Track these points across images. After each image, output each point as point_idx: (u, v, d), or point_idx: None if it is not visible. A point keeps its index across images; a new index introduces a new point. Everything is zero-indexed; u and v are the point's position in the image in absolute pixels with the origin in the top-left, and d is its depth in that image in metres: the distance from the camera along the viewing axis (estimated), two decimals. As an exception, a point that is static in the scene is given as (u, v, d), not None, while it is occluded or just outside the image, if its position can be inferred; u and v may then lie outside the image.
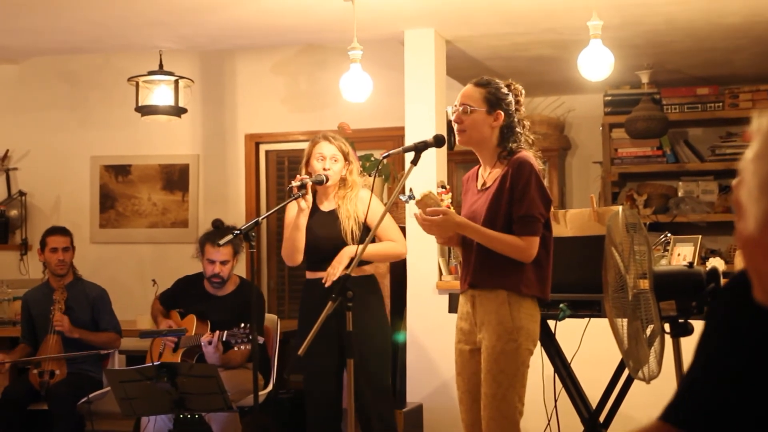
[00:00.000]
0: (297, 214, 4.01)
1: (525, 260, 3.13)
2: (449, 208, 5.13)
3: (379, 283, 4.20)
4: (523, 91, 3.33)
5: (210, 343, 4.58)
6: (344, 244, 4.00)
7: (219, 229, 5.01)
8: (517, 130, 3.24)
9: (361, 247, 3.22)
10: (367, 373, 3.97)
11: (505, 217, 3.15)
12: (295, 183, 3.91)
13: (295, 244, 4.07)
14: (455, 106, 3.27)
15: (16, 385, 5.06)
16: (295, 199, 3.91)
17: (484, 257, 3.16)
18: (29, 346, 5.20)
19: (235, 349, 4.53)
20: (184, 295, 5.01)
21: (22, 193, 6.83)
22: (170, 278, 5.35)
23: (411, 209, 5.21)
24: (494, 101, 3.22)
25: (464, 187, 3.42)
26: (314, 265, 4.15)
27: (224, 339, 4.53)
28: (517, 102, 3.28)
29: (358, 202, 3.97)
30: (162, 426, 4.52)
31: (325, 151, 4.09)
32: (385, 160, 3.56)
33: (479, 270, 3.18)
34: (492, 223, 3.15)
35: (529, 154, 3.20)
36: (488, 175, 3.28)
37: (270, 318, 5.20)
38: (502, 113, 3.22)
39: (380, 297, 4.16)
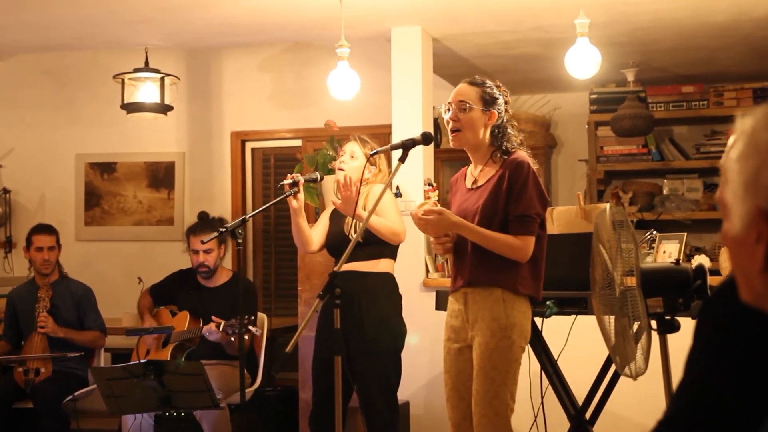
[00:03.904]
0: (291, 214, 3.99)
1: (521, 260, 3.14)
2: (437, 205, 5.15)
3: (396, 283, 4.13)
4: (509, 93, 3.37)
5: (210, 333, 4.61)
6: (346, 237, 4.00)
7: (204, 220, 5.06)
8: (509, 131, 3.27)
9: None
10: (374, 371, 3.97)
11: (502, 216, 3.16)
12: (286, 181, 3.89)
13: (300, 240, 4.08)
14: (449, 104, 3.27)
15: (0, 383, 5.03)
16: (286, 197, 3.89)
17: (480, 255, 3.17)
18: (9, 344, 5.18)
19: (232, 339, 4.54)
20: (178, 289, 5.03)
21: (6, 191, 6.79)
22: (156, 276, 5.34)
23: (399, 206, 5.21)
24: (489, 100, 3.24)
25: (453, 188, 3.42)
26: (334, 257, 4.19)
27: (221, 329, 4.55)
28: (506, 102, 3.31)
29: (369, 196, 3.91)
30: (147, 424, 4.51)
31: (347, 147, 4.13)
32: (372, 158, 3.55)
33: (476, 268, 3.18)
34: (489, 222, 3.16)
35: (525, 155, 3.23)
36: (479, 173, 3.28)
37: (257, 315, 5.19)
38: (496, 113, 3.25)
39: (394, 296, 4.08)
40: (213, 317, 4.65)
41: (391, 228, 3.91)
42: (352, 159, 4.08)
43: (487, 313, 3.15)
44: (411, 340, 4.19)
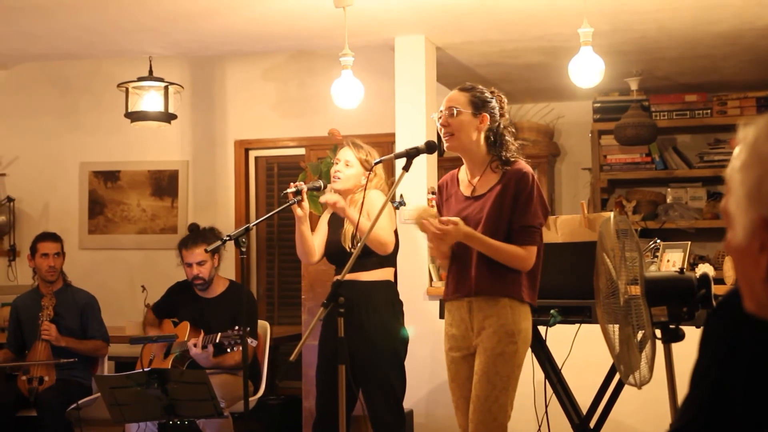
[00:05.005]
0: (296, 223, 3.99)
1: (524, 269, 3.16)
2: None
3: (396, 290, 4.13)
4: (506, 99, 3.36)
5: (195, 345, 4.59)
6: (342, 247, 4.00)
7: (193, 232, 5.05)
8: (506, 138, 3.27)
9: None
10: (376, 379, 3.96)
11: (506, 226, 3.17)
12: (290, 189, 3.89)
13: (304, 250, 4.07)
14: (440, 111, 3.29)
15: (4, 391, 5.03)
16: (290, 205, 3.89)
17: (486, 266, 3.17)
18: (12, 353, 5.18)
19: (228, 350, 4.53)
20: (177, 301, 5.02)
21: (10, 199, 6.80)
22: (159, 284, 5.34)
23: (402, 215, 5.22)
24: (479, 104, 3.25)
25: (444, 193, 3.40)
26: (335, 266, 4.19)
27: (218, 341, 4.54)
28: (501, 108, 3.31)
29: (366, 203, 3.88)
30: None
31: (341, 155, 4.09)
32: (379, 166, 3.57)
33: (482, 278, 3.18)
34: (493, 232, 3.16)
35: (527, 165, 3.25)
36: (477, 182, 3.28)
37: (261, 324, 5.20)
38: (488, 116, 3.25)
39: (394, 304, 4.07)
40: (192, 340, 4.66)
41: (378, 238, 3.87)
42: (347, 167, 4.06)
43: (495, 319, 3.15)
44: (408, 331, 4.14)
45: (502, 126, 3.28)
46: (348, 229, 4.02)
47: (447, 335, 3.32)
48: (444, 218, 3.16)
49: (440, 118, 3.27)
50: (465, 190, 3.32)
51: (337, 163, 4.09)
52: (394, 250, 4.06)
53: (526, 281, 3.19)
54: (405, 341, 4.09)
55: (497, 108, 3.29)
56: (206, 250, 4.47)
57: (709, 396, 1.30)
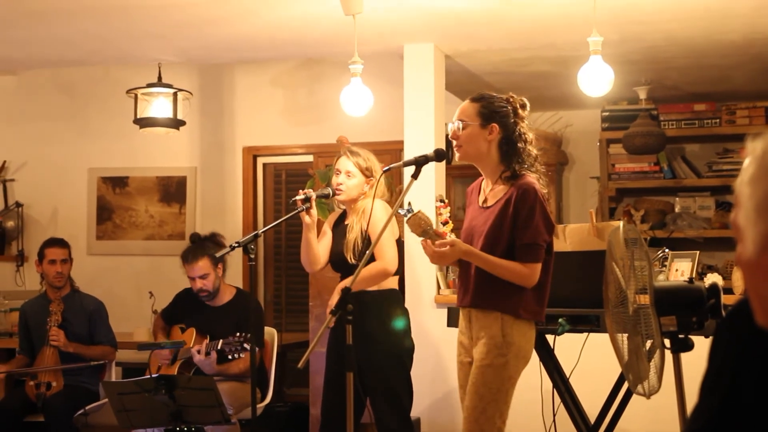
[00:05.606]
0: (303, 230, 3.99)
1: (527, 286, 3.13)
2: (448, 222, 5.16)
3: (400, 298, 4.14)
4: (526, 103, 3.31)
5: (199, 352, 4.59)
6: (344, 258, 4.00)
7: (195, 243, 5.03)
8: (519, 145, 3.22)
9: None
10: (381, 386, 3.96)
11: (508, 242, 3.14)
12: (298, 197, 3.89)
13: (308, 258, 4.07)
14: (453, 122, 3.29)
15: (12, 396, 5.05)
16: (299, 212, 3.89)
17: (483, 280, 3.16)
18: (26, 357, 5.19)
19: (230, 357, 4.53)
20: (184, 308, 5.03)
21: (18, 205, 6.82)
22: (167, 290, 5.35)
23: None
24: (488, 115, 3.22)
25: (468, 199, 3.42)
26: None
27: (219, 348, 4.54)
28: (517, 116, 3.26)
29: (365, 213, 3.88)
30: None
31: (341, 165, 4.07)
32: (384, 174, 3.58)
33: (478, 291, 3.18)
34: (493, 246, 3.15)
35: (533, 179, 3.19)
36: (490, 191, 3.28)
37: (268, 331, 5.20)
38: (497, 126, 3.21)
39: (399, 311, 4.07)
40: (207, 339, 4.66)
41: (378, 272, 3.90)
42: (349, 177, 4.04)
43: (486, 331, 3.15)
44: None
45: (517, 134, 3.23)
46: (350, 239, 4.02)
47: (458, 342, 3.33)
48: (439, 241, 3.17)
49: (451, 130, 3.28)
50: (480, 199, 3.32)
51: (337, 174, 4.06)
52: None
53: (529, 297, 3.16)
54: (410, 350, 4.08)
55: (511, 116, 3.24)
56: (216, 256, 4.46)
57: (718, 405, 1.30)
